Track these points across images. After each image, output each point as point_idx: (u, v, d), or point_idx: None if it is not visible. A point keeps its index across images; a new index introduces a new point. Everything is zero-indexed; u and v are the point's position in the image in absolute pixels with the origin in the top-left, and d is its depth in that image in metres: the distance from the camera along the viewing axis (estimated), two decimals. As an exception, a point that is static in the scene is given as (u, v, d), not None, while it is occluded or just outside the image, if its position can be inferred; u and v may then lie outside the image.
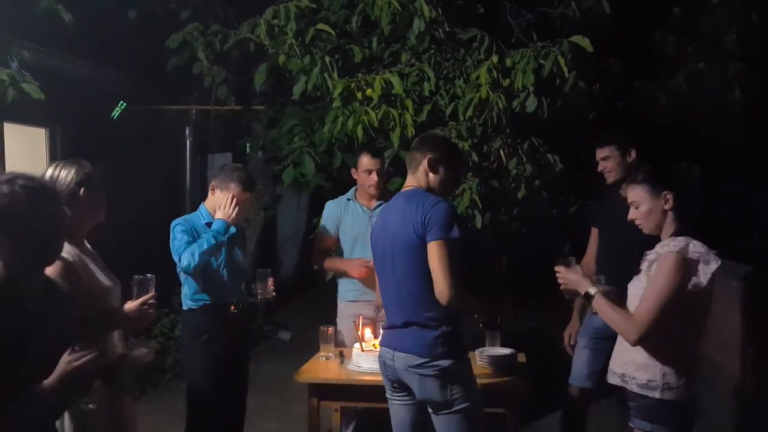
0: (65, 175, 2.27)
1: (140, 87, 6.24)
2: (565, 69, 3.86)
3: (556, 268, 2.47)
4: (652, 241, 3.18)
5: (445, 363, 2.45)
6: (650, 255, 2.31)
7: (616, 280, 3.23)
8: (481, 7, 4.70)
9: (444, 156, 2.59)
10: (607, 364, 3.33)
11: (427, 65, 4.20)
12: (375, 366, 3.08)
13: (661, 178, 2.32)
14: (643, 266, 2.32)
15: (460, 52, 4.31)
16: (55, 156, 5.46)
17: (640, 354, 2.26)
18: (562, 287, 2.47)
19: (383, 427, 4.02)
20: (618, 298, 2.37)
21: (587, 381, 3.43)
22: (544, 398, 4.10)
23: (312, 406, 3.13)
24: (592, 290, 2.34)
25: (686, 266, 2.17)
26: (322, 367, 3.26)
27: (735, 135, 5.54)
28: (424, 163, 2.57)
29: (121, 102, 6.04)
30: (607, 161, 3.35)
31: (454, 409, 2.47)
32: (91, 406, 2.13)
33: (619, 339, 2.36)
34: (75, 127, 5.57)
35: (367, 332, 3.35)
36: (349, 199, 3.79)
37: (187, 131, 7.06)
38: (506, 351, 3.17)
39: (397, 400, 2.64)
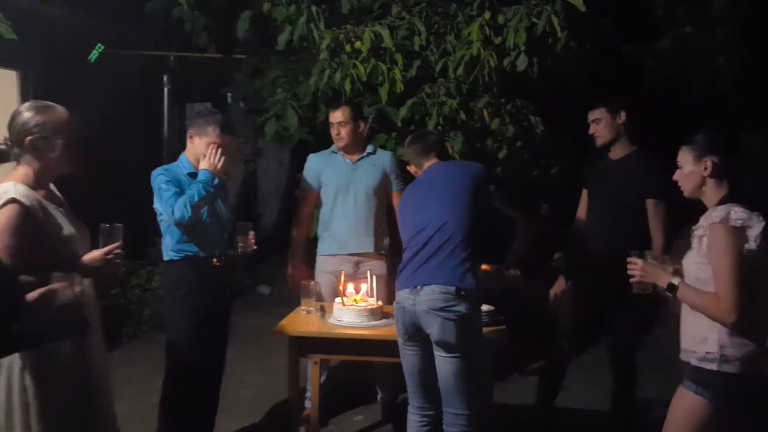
0: (26, 118, 2.18)
1: (118, 30, 6.05)
2: (558, 28, 3.82)
3: (631, 261, 2.40)
4: (638, 201, 3.23)
5: (464, 310, 2.66)
6: (697, 230, 2.28)
7: (604, 239, 3.31)
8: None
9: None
10: (590, 322, 3.43)
11: (417, 19, 4.14)
12: (356, 320, 3.14)
13: (706, 144, 2.29)
14: (694, 242, 2.29)
15: (452, 7, 4.25)
16: (26, 99, 5.30)
17: (700, 328, 2.24)
18: (635, 280, 2.40)
19: (355, 380, 4.13)
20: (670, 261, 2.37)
21: (572, 337, 3.50)
22: (526, 355, 4.20)
23: (292, 359, 3.16)
24: (676, 280, 2.27)
25: (735, 234, 2.15)
26: (303, 321, 3.28)
27: (723, 99, 5.58)
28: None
29: (99, 44, 5.84)
30: (598, 123, 3.37)
31: (464, 353, 2.68)
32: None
33: (683, 315, 2.34)
34: (49, 71, 5.40)
35: (349, 287, 3.36)
36: (333, 152, 3.77)
37: (165, 79, 6.89)
38: (486, 307, 3.21)
39: (408, 349, 2.84)
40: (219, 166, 3.07)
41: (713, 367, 2.19)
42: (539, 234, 3.51)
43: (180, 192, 3.03)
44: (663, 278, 2.30)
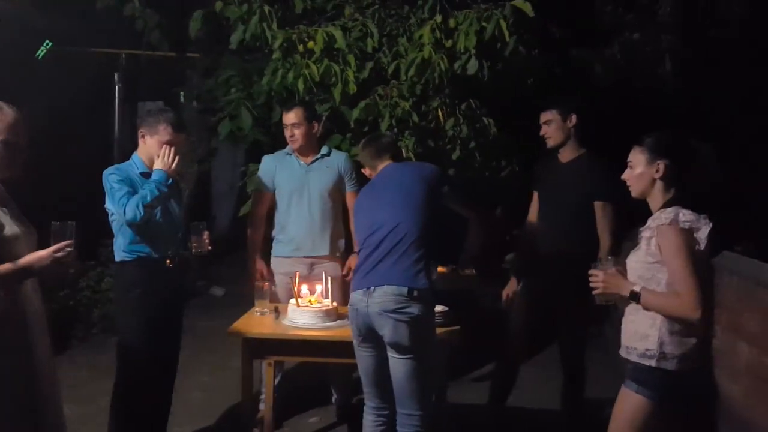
0: None
1: (67, 27, 5.90)
2: (506, 33, 3.88)
3: (593, 272, 2.38)
4: (586, 203, 3.31)
5: (416, 311, 2.68)
6: (644, 231, 2.32)
7: (554, 240, 3.38)
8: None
9: None
10: (541, 322, 3.49)
11: (370, 21, 4.15)
12: (310, 322, 3.14)
13: (659, 147, 2.32)
14: (642, 243, 2.32)
15: (405, 9, 4.27)
16: (-29, 97, 5.13)
17: (641, 326, 2.28)
18: (597, 292, 2.37)
19: (309, 382, 4.13)
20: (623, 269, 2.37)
21: (523, 337, 3.56)
22: (479, 354, 4.26)
23: (245, 361, 3.14)
24: (637, 287, 2.27)
25: (684, 234, 2.20)
26: (256, 322, 3.26)
27: (667, 103, 5.75)
28: None
29: (47, 41, 5.69)
30: (549, 125, 3.43)
31: (417, 354, 2.70)
32: None
33: (625, 313, 2.37)
34: (-6, 67, 5.24)
35: (304, 288, 3.36)
36: (288, 154, 3.76)
37: (116, 77, 6.73)
38: (440, 307, 3.24)
39: (363, 350, 2.86)
40: (173, 165, 3.03)
41: (652, 363, 2.24)
42: (493, 234, 3.56)
43: (132, 192, 2.98)
44: (625, 287, 2.30)
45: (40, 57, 5.70)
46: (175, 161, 3.03)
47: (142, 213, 2.92)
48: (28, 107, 2.41)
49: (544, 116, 3.44)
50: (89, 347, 5.11)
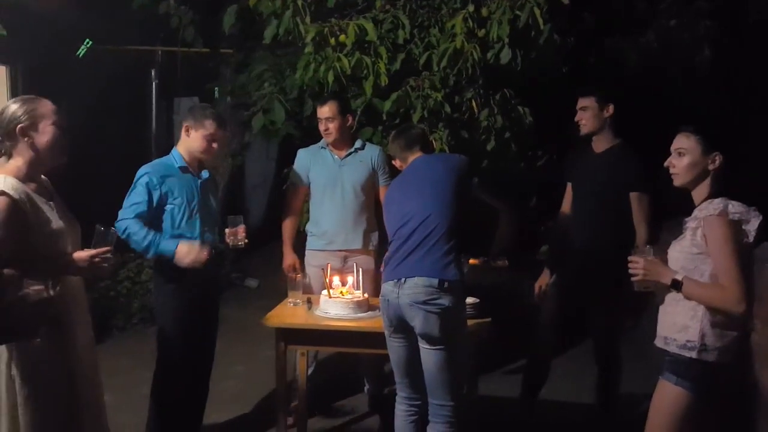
0: (15, 109, 2.18)
1: (105, 26, 6.02)
2: (540, 21, 3.82)
3: (632, 259, 2.33)
4: (621, 194, 3.25)
5: (447, 302, 2.67)
6: (690, 221, 2.28)
7: (587, 232, 3.33)
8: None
9: None
10: (574, 315, 3.44)
11: (402, 12, 4.13)
12: (342, 312, 3.15)
13: (716, 139, 2.26)
14: (687, 233, 2.28)
15: (436, 0, 4.23)
16: (15, 94, 5.27)
17: (681, 317, 2.25)
18: (637, 278, 2.32)
19: (342, 372, 4.15)
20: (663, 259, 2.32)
21: (555, 330, 3.52)
22: (511, 347, 4.23)
23: (279, 350, 3.17)
24: (679, 276, 2.23)
25: (732, 226, 2.16)
26: (289, 313, 3.29)
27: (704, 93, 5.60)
28: None
29: (87, 40, 5.82)
30: (585, 111, 3.36)
31: (447, 345, 2.69)
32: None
33: (663, 304, 2.34)
34: (38, 65, 5.37)
35: (335, 280, 3.37)
36: (322, 147, 3.77)
37: (152, 73, 6.86)
38: (471, 299, 3.23)
39: (394, 341, 2.86)
40: (187, 263, 3.00)
41: (693, 355, 2.21)
42: (524, 225, 3.53)
43: (149, 201, 3.02)
44: (666, 275, 2.25)
45: (80, 55, 5.83)
46: (193, 263, 3.01)
47: (125, 236, 2.97)
48: (69, 102, 2.47)
49: (582, 102, 3.38)
50: (129, 337, 5.22)
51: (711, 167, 2.27)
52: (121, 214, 3.04)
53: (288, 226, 3.83)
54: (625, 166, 3.28)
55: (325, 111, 3.63)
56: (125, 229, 2.98)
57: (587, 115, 3.36)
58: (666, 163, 2.35)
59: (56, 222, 2.22)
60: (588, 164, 3.42)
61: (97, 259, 2.23)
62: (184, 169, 3.13)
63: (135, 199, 3.04)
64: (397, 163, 3.10)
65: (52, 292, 1.66)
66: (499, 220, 3.51)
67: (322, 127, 3.66)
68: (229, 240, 3.21)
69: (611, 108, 3.34)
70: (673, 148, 2.34)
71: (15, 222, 2.08)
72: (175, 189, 3.07)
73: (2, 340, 1.77)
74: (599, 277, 3.22)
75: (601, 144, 3.39)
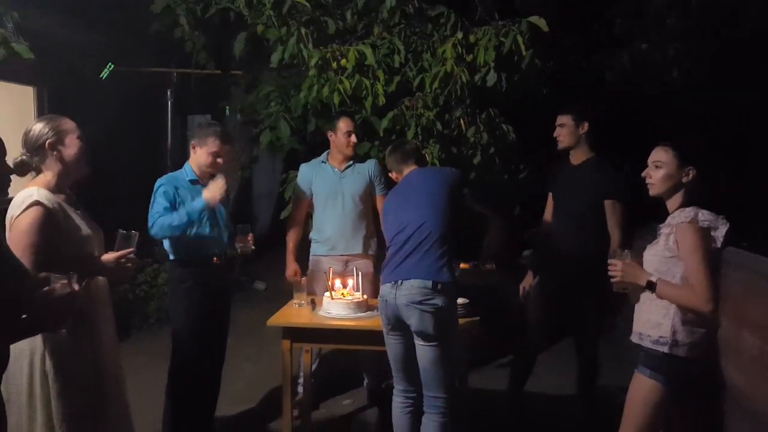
0: (41, 127, 2.22)
1: (125, 50, 6.07)
2: (523, 47, 3.88)
3: (611, 262, 2.35)
4: (597, 202, 3.29)
5: (440, 303, 2.70)
6: (664, 227, 2.30)
7: (567, 238, 3.37)
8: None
9: None
10: (556, 314, 3.47)
11: (397, 38, 4.18)
12: (343, 312, 3.17)
13: (692, 153, 2.29)
14: (660, 238, 2.31)
15: (428, 27, 4.28)
16: (42, 113, 5.30)
17: (655, 315, 2.27)
18: (615, 280, 2.34)
19: (343, 368, 4.17)
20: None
21: (542, 330, 3.55)
22: (499, 344, 4.25)
23: (285, 348, 3.19)
24: (653, 278, 2.26)
25: (701, 233, 2.19)
26: (295, 313, 3.32)
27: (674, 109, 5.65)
28: None
29: (110, 63, 5.86)
30: (563, 128, 3.43)
31: (441, 342, 2.72)
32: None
33: (638, 303, 2.36)
34: (62, 86, 5.41)
35: (337, 282, 3.40)
36: (323, 162, 3.81)
37: (168, 93, 6.91)
38: (462, 300, 3.25)
39: (392, 338, 2.89)
40: (218, 197, 3.05)
41: (665, 350, 2.23)
42: (511, 232, 3.56)
43: (171, 205, 3.05)
44: (642, 277, 2.28)
45: (103, 77, 5.87)
46: (220, 194, 3.05)
47: (164, 233, 3.00)
48: (92, 120, 2.50)
49: (560, 119, 3.45)
50: (146, 336, 5.23)
51: (685, 179, 2.30)
52: (150, 221, 3.05)
53: (292, 237, 3.86)
54: (599, 176, 3.33)
55: (350, 123, 3.69)
56: (160, 226, 2.99)
57: (564, 131, 3.42)
58: (643, 174, 2.37)
59: (85, 229, 2.27)
60: (566, 176, 3.47)
61: (123, 260, 2.29)
62: (194, 182, 3.17)
63: (157, 208, 3.06)
64: (393, 175, 3.13)
65: (76, 287, 1.68)
66: (488, 227, 3.54)
67: (349, 140, 3.69)
68: (238, 246, 3.24)
69: (586, 125, 3.40)
70: (650, 160, 2.36)
71: (49, 229, 2.13)
72: (187, 199, 3.11)
73: (31, 332, 1.79)
74: (578, 280, 3.26)
75: (577, 157, 3.45)
